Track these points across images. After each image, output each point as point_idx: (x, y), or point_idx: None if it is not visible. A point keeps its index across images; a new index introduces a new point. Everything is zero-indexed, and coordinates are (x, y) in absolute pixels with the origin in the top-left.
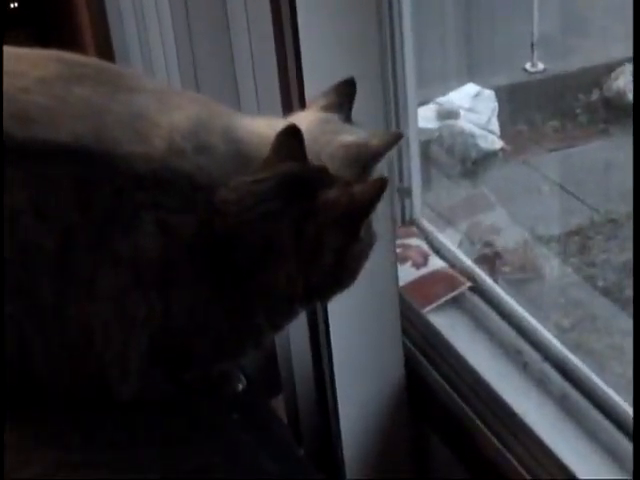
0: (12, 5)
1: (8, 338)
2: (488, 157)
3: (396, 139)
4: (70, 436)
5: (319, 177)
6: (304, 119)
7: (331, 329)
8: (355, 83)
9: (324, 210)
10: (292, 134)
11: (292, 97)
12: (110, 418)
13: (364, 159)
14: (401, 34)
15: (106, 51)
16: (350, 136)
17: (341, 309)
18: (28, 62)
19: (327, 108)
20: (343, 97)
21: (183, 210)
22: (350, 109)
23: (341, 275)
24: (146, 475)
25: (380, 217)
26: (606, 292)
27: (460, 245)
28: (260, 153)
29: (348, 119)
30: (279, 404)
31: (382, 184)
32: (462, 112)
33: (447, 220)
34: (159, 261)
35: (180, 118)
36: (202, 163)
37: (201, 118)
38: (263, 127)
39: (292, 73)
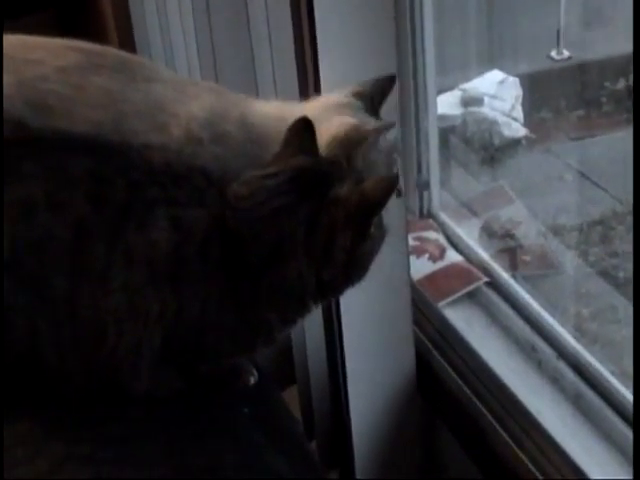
0: None
1: (20, 330)
2: (511, 145)
3: (388, 127)
4: (79, 430)
5: (331, 172)
6: (325, 101)
7: (343, 322)
8: (395, 80)
9: (335, 207)
10: (303, 127)
11: (309, 84)
12: (120, 413)
13: (351, 141)
14: (422, 25)
15: (127, 35)
16: (347, 118)
17: (353, 302)
18: (47, 51)
19: (357, 95)
20: (377, 89)
21: (196, 205)
22: (380, 102)
23: (352, 271)
24: (154, 471)
25: (392, 210)
26: (628, 283)
27: (480, 236)
28: (274, 136)
29: (374, 111)
30: (293, 394)
31: (392, 181)
32: (486, 99)
33: (468, 209)
34: (172, 256)
35: (197, 107)
36: (219, 152)
37: (217, 107)
38: (277, 110)
39: (309, 60)
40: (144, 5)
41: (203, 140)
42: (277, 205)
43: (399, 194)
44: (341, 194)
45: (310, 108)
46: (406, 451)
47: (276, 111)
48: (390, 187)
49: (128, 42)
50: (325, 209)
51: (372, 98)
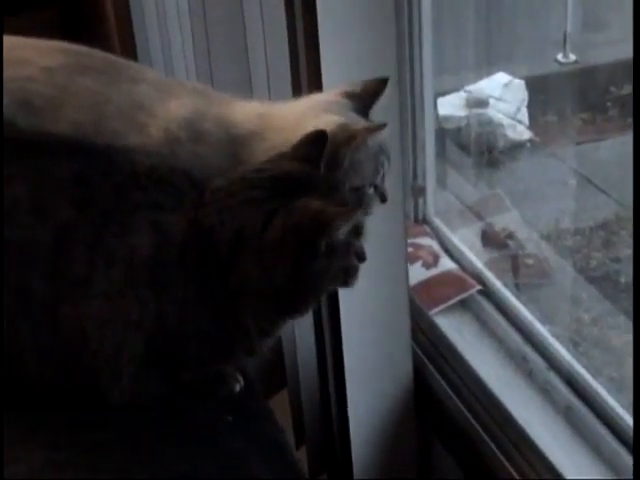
0: None
1: (2, 332)
2: (516, 147)
3: (378, 128)
4: (59, 435)
5: (313, 184)
6: (314, 98)
7: (342, 328)
8: (387, 83)
9: (291, 214)
10: (315, 140)
11: (302, 88)
12: (100, 418)
13: (338, 140)
14: (420, 32)
15: (128, 36)
16: (335, 117)
17: (352, 308)
18: (35, 51)
19: (346, 95)
20: (368, 91)
21: (176, 209)
22: (371, 104)
23: (302, 285)
24: (132, 477)
25: (390, 217)
26: (628, 289)
27: (480, 242)
28: (254, 133)
29: (364, 112)
30: (283, 399)
31: (346, 213)
32: (491, 101)
33: (465, 216)
34: (152, 261)
35: (177, 107)
36: (198, 150)
37: (198, 107)
38: (259, 108)
39: (303, 66)
40: (144, 8)
41: (181, 139)
42: (247, 197)
43: (383, 200)
44: (300, 205)
45: (296, 105)
46: (399, 455)
47: (258, 109)
48: (339, 218)
49: (129, 44)
50: (282, 212)
51: (362, 99)
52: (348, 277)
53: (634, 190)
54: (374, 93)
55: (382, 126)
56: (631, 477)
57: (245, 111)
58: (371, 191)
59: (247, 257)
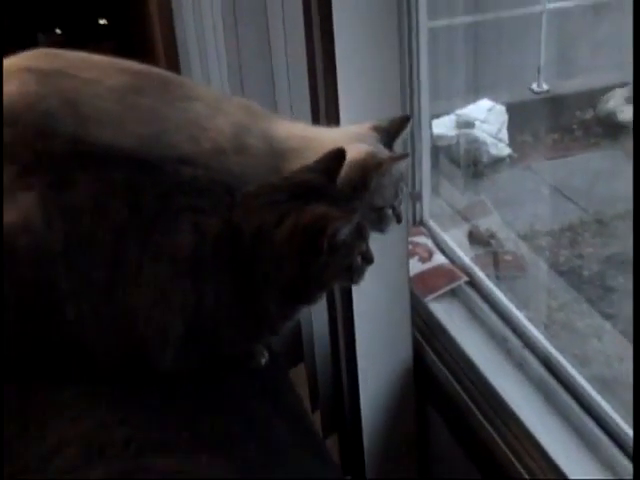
0: (101, 22)
1: (68, 312)
2: (497, 162)
3: (401, 158)
4: (116, 398)
5: (327, 192)
6: (349, 130)
7: (354, 311)
8: (409, 120)
9: (299, 215)
10: (335, 156)
11: (320, 110)
12: (150, 386)
13: (366, 167)
14: (418, 66)
15: (173, 60)
16: (366, 146)
17: (362, 295)
18: (101, 71)
19: (375, 128)
20: (393, 126)
21: (214, 212)
22: (395, 137)
23: (308, 280)
24: (176, 435)
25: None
26: (589, 281)
27: (467, 241)
28: (296, 151)
29: (388, 144)
30: (301, 370)
31: (345, 217)
32: (477, 123)
33: (455, 219)
34: (192, 256)
35: (224, 122)
36: (241, 161)
37: (243, 122)
38: (302, 130)
39: (321, 90)
40: (186, 35)
41: (226, 150)
42: (270, 200)
43: (399, 220)
44: (309, 208)
45: (334, 132)
46: (401, 418)
47: (301, 130)
48: (338, 222)
49: (174, 62)
50: (295, 213)
51: (388, 133)
52: (353, 275)
53: (634, 190)
54: (398, 128)
55: (405, 156)
56: (631, 477)
57: (289, 129)
58: (390, 212)
59: (265, 251)
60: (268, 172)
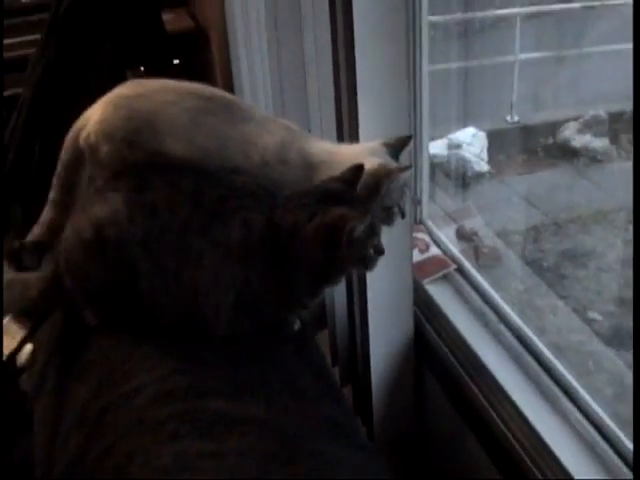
0: (175, 61)
1: (145, 289)
2: (479, 176)
3: (406, 169)
4: (182, 354)
5: (347, 198)
6: (362, 146)
7: (367, 291)
8: (411, 139)
9: (326, 215)
10: (356, 170)
11: (344, 128)
12: (206, 346)
13: (379, 174)
14: (421, 100)
15: (229, 88)
16: (379, 160)
17: (375, 279)
18: (177, 95)
19: (385, 145)
20: (398, 143)
21: (259, 212)
22: (400, 151)
23: (331, 267)
24: (225, 384)
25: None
26: (548, 269)
27: (455, 237)
28: (326, 164)
29: (395, 157)
30: (324, 335)
31: (359, 217)
32: (464, 145)
33: (449, 218)
34: (241, 246)
35: (270, 139)
36: (282, 171)
37: (285, 139)
38: (330, 147)
39: (345, 111)
40: (240, 64)
41: (270, 163)
42: (303, 202)
43: (403, 216)
44: (332, 210)
45: (353, 148)
46: (403, 379)
47: (328, 147)
48: (354, 222)
49: (230, 89)
50: (320, 213)
51: (395, 147)
52: (367, 263)
53: (634, 191)
54: (403, 144)
55: (409, 167)
56: (631, 477)
57: (320, 146)
58: (396, 210)
59: (297, 242)
60: (302, 180)
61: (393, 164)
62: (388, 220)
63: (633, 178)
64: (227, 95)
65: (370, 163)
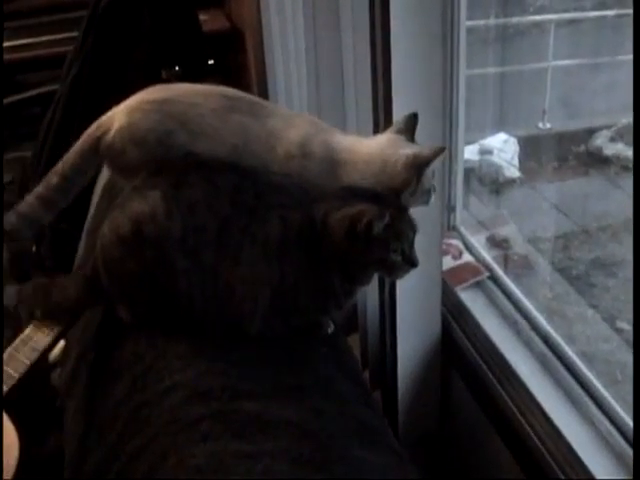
0: (210, 62)
1: (182, 285)
2: (510, 182)
3: (441, 151)
4: (215, 353)
5: (374, 197)
6: (381, 138)
7: (397, 296)
8: (417, 116)
9: (350, 209)
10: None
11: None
12: (241, 346)
13: (418, 164)
14: (457, 106)
15: (263, 90)
16: (409, 149)
17: (405, 283)
18: (203, 97)
19: (397, 132)
20: (408, 125)
21: (295, 208)
22: (413, 132)
23: (353, 265)
24: (261, 386)
25: (431, 225)
26: (578, 278)
27: (486, 244)
28: (348, 157)
29: (411, 139)
30: (356, 339)
31: (377, 214)
32: (495, 151)
33: (480, 226)
34: (279, 242)
35: (295, 134)
36: (306, 165)
37: (309, 133)
38: (352, 140)
39: (381, 112)
40: (275, 65)
41: (295, 156)
42: (333, 201)
43: (434, 191)
44: (355, 205)
45: (374, 142)
46: (430, 381)
47: (352, 142)
48: (371, 217)
49: (264, 92)
50: (346, 208)
51: (408, 131)
52: (391, 270)
53: (634, 191)
54: (413, 126)
55: (443, 149)
56: (631, 477)
57: (344, 141)
58: (432, 189)
59: (328, 237)
60: (325, 173)
61: (425, 149)
62: (427, 199)
63: (633, 178)
64: (249, 95)
65: (404, 154)
